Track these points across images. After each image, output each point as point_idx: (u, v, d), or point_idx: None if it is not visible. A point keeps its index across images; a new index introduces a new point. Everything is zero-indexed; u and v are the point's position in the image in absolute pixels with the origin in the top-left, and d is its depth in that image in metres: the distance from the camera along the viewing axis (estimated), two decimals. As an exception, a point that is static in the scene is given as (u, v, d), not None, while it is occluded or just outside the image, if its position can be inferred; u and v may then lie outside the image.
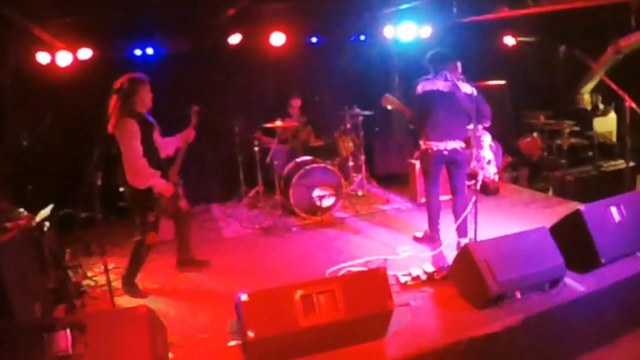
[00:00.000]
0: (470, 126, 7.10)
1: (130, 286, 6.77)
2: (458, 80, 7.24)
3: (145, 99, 6.44)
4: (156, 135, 6.64)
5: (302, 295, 4.79)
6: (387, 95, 7.61)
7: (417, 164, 8.84)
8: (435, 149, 7.25)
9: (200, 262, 7.46)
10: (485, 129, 8.99)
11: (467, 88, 7.18)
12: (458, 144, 7.28)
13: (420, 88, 7.26)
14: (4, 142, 7.98)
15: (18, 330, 4.65)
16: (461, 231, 7.39)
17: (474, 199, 6.66)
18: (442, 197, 7.73)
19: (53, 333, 4.46)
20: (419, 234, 7.77)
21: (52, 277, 6.49)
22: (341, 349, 4.97)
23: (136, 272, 6.80)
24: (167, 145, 6.82)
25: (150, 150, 6.35)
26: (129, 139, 6.21)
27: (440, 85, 7.20)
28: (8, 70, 7.99)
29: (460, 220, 7.34)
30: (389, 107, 7.65)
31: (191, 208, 7.31)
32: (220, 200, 10.61)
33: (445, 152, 7.24)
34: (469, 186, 7.50)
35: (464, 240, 7.27)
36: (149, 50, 9.47)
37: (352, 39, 10.95)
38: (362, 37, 10.96)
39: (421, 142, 7.43)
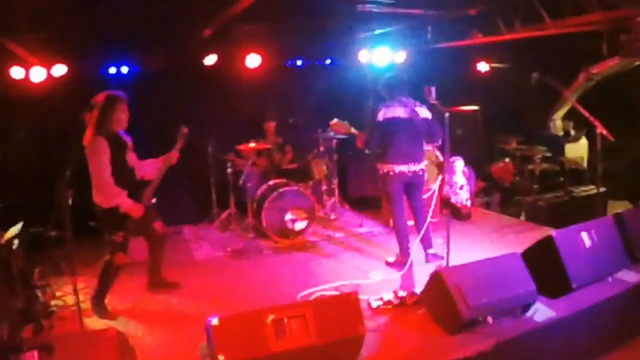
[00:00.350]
0: (429, 147, 7.24)
1: (99, 307, 6.67)
2: (415, 106, 7.48)
3: (120, 117, 6.38)
4: (130, 156, 6.60)
5: (274, 319, 4.75)
6: (335, 120, 7.66)
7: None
8: (397, 171, 7.42)
9: (171, 284, 7.39)
10: (447, 153, 9.09)
11: (424, 113, 7.50)
12: (418, 167, 7.50)
13: (381, 115, 7.42)
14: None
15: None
16: (426, 243, 7.61)
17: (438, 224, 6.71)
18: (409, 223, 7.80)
19: (20, 355, 4.40)
20: (391, 259, 7.78)
21: (20, 297, 6.40)
22: (312, 374, 4.93)
23: (105, 292, 6.71)
24: (146, 167, 6.77)
25: (120, 170, 6.28)
26: (96, 157, 6.15)
27: (400, 112, 7.42)
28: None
29: (423, 230, 7.58)
30: (338, 133, 7.73)
31: (165, 231, 7.21)
32: (192, 222, 10.53)
33: (409, 174, 7.45)
34: (441, 211, 7.53)
35: (431, 251, 7.55)
36: (124, 69, 9.48)
37: (327, 63, 11.00)
38: (338, 61, 11.01)
39: (380, 166, 7.56)
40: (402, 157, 7.42)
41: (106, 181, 6.16)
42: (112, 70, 9.42)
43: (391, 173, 7.44)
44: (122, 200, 6.29)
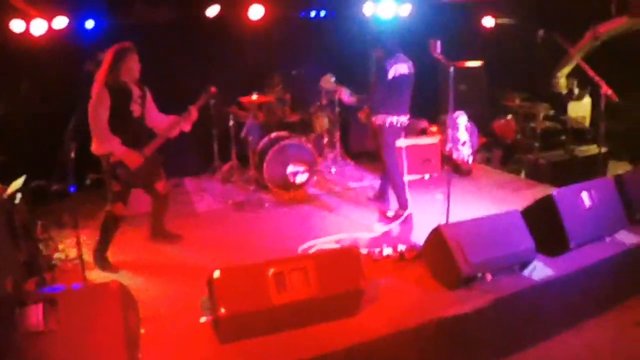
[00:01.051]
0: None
1: (101, 260, 6.73)
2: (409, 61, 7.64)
3: (131, 67, 6.39)
4: (149, 107, 6.69)
5: (275, 272, 4.82)
6: (327, 75, 7.72)
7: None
8: (396, 122, 7.61)
9: (173, 235, 7.44)
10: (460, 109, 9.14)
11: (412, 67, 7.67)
12: (407, 118, 7.77)
13: (390, 73, 7.40)
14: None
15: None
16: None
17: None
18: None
19: (25, 308, 4.45)
20: (391, 213, 7.81)
21: (23, 250, 6.45)
22: (313, 326, 4.99)
23: (106, 244, 6.76)
24: (164, 121, 6.82)
25: (121, 120, 6.28)
26: (93, 105, 6.18)
27: (404, 68, 7.51)
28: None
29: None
30: (326, 88, 7.77)
31: (167, 191, 7.31)
32: (194, 174, 10.53)
33: (404, 125, 7.77)
34: (443, 168, 7.58)
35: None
36: (125, 21, 9.35)
37: (331, 15, 10.91)
38: (342, 13, 10.92)
39: (380, 117, 7.59)
40: (402, 109, 7.64)
41: (99, 126, 6.16)
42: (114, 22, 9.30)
43: (393, 123, 7.57)
44: (115, 147, 6.28)
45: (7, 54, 8.38)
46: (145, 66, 7.57)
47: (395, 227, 7.50)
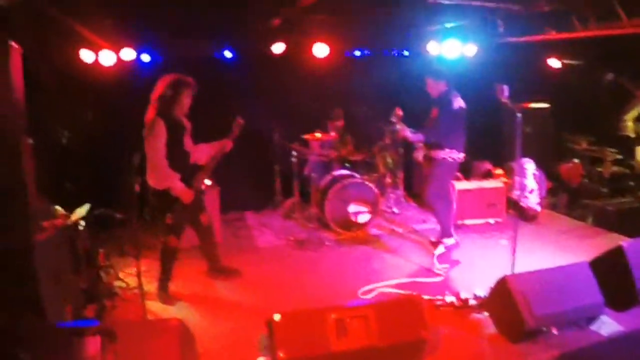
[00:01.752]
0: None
1: (163, 291, 6.83)
2: None
3: (184, 102, 6.47)
4: (187, 140, 6.67)
5: (336, 318, 4.75)
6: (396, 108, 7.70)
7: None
8: (458, 160, 7.73)
9: (231, 271, 7.46)
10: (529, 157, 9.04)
11: None
12: (463, 155, 7.81)
13: (455, 104, 7.52)
14: (44, 140, 7.98)
15: (50, 333, 4.66)
16: None
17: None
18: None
19: (83, 339, 4.47)
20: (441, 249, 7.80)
21: (84, 277, 6.53)
22: (372, 374, 4.91)
23: (167, 275, 6.85)
24: (200, 151, 6.82)
25: (177, 154, 6.37)
26: (154, 138, 6.24)
27: (462, 102, 7.62)
28: (53, 69, 8.03)
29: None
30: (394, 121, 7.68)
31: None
32: (255, 208, 10.60)
33: (461, 161, 7.84)
34: (507, 212, 7.47)
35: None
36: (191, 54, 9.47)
37: (395, 54, 10.89)
38: (406, 53, 10.91)
39: (441, 152, 7.62)
40: (460, 145, 7.69)
41: (160, 163, 6.24)
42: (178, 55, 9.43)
43: (453, 159, 7.63)
44: (174, 184, 6.37)
45: (74, 83, 8.56)
46: (209, 100, 7.66)
47: (456, 272, 7.37)
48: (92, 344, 4.43)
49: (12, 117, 5.12)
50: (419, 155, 7.87)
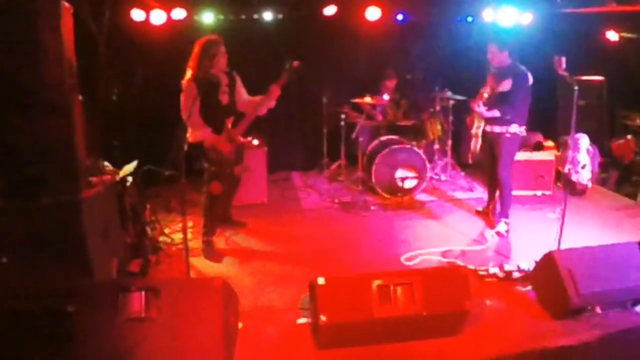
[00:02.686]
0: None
1: (207, 245, 7.04)
2: None
3: (218, 60, 6.68)
4: (239, 92, 7.01)
5: (380, 285, 4.76)
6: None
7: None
8: (522, 133, 7.46)
9: (238, 222, 7.77)
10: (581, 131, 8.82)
11: None
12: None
13: (530, 79, 7.26)
14: (94, 97, 8.04)
15: (95, 289, 4.74)
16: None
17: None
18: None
19: (128, 294, 4.54)
20: (503, 226, 7.59)
21: (131, 232, 6.65)
22: (412, 342, 4.91)
23: (212, 227, 7.13)
24: (253, 103, 7.00)
25: (211, 109, 6.62)
26: (184, 98, 6.57)
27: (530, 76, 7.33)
28: (103, 28, 8.08)
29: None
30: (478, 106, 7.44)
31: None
32: (302, 169, 10.66)
33: (524, 135, 7.58)
34: (556, 185, 7.35)
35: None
36: (242, 16, 9.47)
37: (449, 20, 10.72)
38: (459, 18, 10.72)
39: (513, 127, 7.33)
40: (525, 119, 7.44)
41: (191, 119, 6.39)
42: (231, 17, 9.44)
43: (521, 134, 7.43)
44: (207, 135, 6.66)
45: (125, 42, 8.62)
46: (261, 60, 7.63)
47: (502, 242, 7.33)
48: (137, 300, 4.52)
49: (64, 75, 5.16)
50: (478, 129, 7.63)
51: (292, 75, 6.87)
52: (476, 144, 7.72)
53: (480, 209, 8.29)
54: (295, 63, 6.83)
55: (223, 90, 6.79)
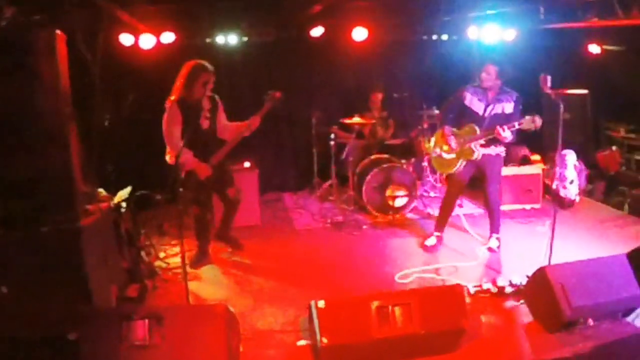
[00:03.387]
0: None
1: (194, 259, 7.38)
2: None
3: (200, 86, 6.73)
4: (220, 117, 7.08)
5: (378, 306, 4.83)
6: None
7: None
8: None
9: (236, 242, 7.83)
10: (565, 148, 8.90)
11: None
12: None
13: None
14: (87, 123, 8.09)
15: (98, 316, 4.79)
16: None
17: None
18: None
19: (131, 322, 4.60)
20: (495, 243, 7.69)
21: (127, 257, 6.71)
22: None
23: (201, 244, 7.41)
24: (230, 129, 7.13)
25: (192, 133, 6.49)
26: (166, 120, 6.73)
27: None
28: (97, 55, 8.14)
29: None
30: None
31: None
32: (293, 190, 10.75)
33: None
34: (544, 198, 7.41)
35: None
36: (231, 38, 9.57)
37: (434, 38, 10.85)
38: (445, 37, 10.85)
39: (501, 148, 7.41)
40: None
41: (172, 142, 6.63)
42: (220, 39, 9.57)
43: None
44: (187, 159, 6.66)
45: (115, 66, 8.68)
46: (248, 82, 7.69)
47: (494, 257, 7.43)
48: (140, 328, 4.58)
49: (60, 103, 5.23)
50: (478, 151, 7.55)
51: (274, 105, 7.00)
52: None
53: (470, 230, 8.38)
54: (277, 94, 6.96)
55: (204, 115, 6.89)
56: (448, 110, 7.60)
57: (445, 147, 7.50)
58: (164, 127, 6.69)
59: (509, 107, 7.22)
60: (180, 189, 6.62)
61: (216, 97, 7.04)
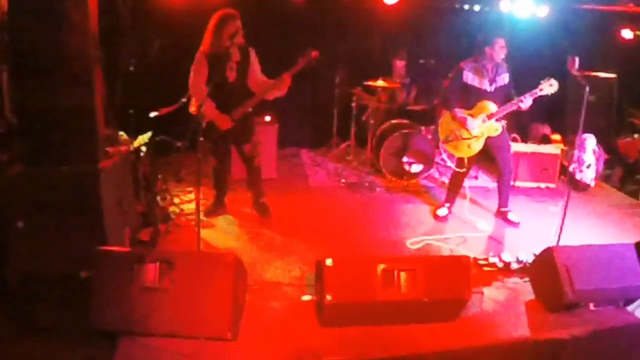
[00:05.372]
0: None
1: (210, 208, 7.45)
2: None
3: (233, 34, 6.60)
4: (253, 70, 6.94)
5: (384, 269, 4.91)
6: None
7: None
8: None
9: (264, 211, 7.60)
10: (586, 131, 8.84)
11: None
12: None
13: None
14: (115, 67, 8.13)
15: (111, 257, 4.89)
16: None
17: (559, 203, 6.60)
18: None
19: (143, 265, 4.71)
20: (513, 216, 7.75)
21: (142, 201, 6.80)
22: (410, 324, 5.07)
23: (217, 194, 7.50)
24: (261, 84, 6.99)
25: (217, 85, 6.41)
26: (192, 72, 6.72)
27: None
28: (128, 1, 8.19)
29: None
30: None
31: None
32: (310, 147, 10.80)
33: None
34: (559, 179, 7.40)
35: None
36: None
37: (466, 8, 10.78)
38: (477, 8, 10.78)
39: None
40: None
41: (196, 92, 6.64)
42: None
43: None
44: (208, 110, 6.60)
45: (142, 12, 8.68)
46: (275, 40, 7.68)
47: (504, 231, 7.49)
48: (151, 271, 4.69)
49: (88, 46, 5.28)
50: (501, 124, 7.50)
51: (308, 64, 6.85)
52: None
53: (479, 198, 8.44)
54: (314, 53, 6.79)
55: (231, 66, 6.76)
56: (450, 92, 7.48)
57: (464, 131, 7.32)
58: (190, 77, 6.69)
59: (507, 77, 7.31)
60: (201, 139, 6.70)
61: (249, 48, 6.91)
